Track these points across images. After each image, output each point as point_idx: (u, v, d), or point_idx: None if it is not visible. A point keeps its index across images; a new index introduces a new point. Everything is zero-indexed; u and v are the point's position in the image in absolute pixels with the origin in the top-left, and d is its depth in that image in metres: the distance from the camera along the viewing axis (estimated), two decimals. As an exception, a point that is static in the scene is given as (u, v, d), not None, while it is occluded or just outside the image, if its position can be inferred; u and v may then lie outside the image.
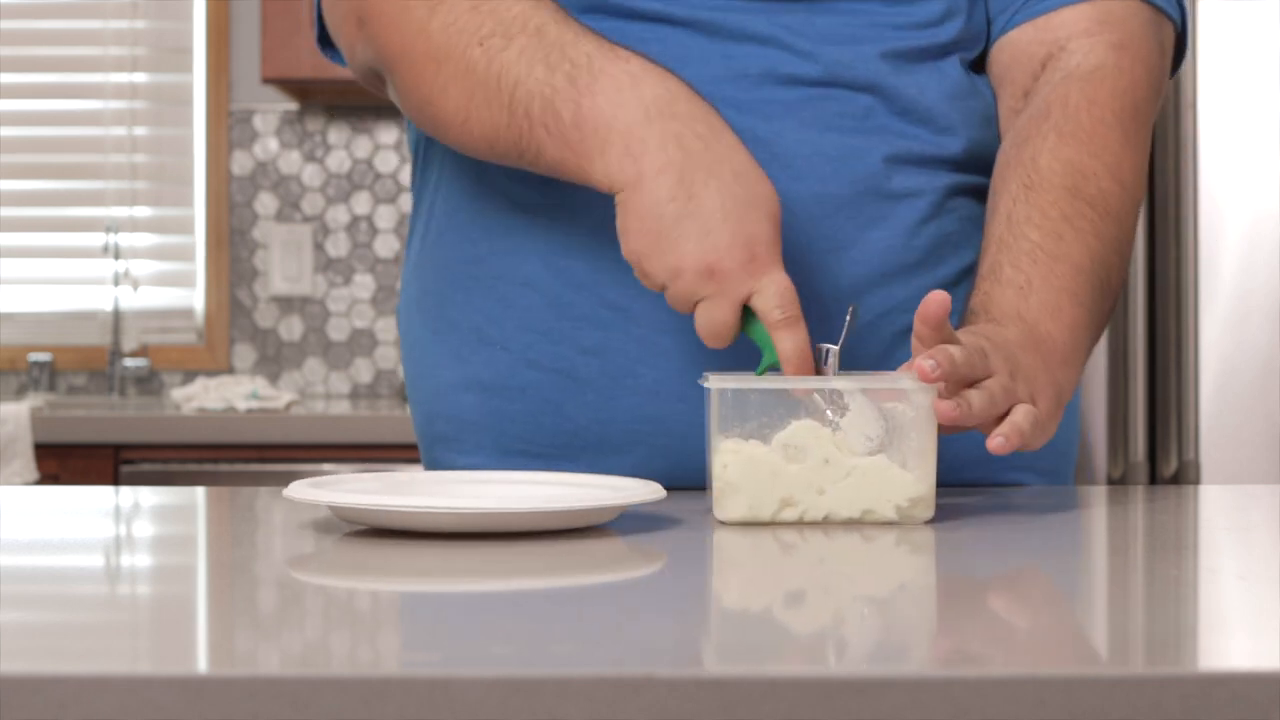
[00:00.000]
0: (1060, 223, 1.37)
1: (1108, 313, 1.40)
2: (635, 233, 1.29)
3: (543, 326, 1.45)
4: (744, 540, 1.18)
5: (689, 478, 1.41)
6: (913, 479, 1.21)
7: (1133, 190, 1.42)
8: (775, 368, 1.27)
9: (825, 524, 1.21)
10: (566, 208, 1.43)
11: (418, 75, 1.39)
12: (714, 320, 1.28)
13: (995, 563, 1.15)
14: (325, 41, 1.55)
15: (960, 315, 1.38)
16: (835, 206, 1.41)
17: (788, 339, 1.26)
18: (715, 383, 1.22)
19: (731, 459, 1.21)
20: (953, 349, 1.21)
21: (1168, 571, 1.13)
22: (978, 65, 1.51)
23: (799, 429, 1.21)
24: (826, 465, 1.21)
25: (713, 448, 1.22)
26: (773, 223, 1.29)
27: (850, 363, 1.39)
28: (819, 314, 1.40)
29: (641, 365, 1.42)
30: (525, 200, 1.46)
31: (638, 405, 1.43)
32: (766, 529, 1.21)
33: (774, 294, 1.27)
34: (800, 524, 1.21)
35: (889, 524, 1.22)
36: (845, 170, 1.42)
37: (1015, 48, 1.48)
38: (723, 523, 1.22)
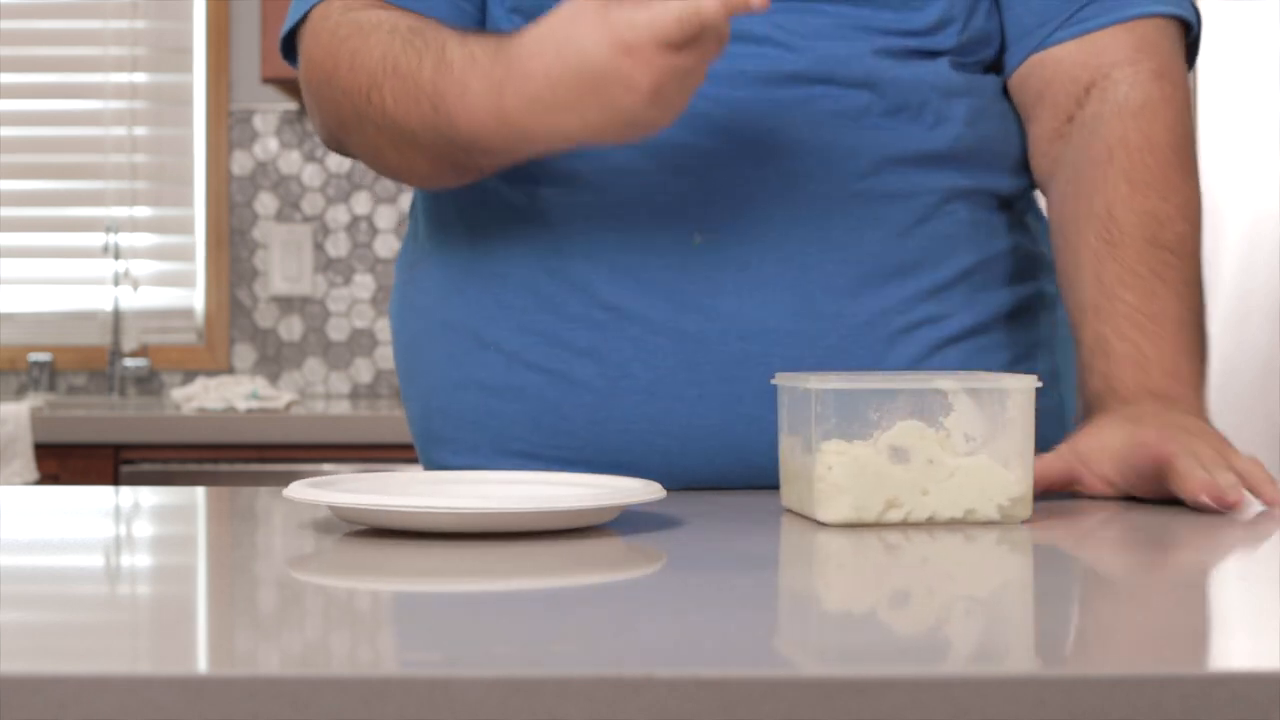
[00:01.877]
0: (1151, 279, 1.41)
1: (1206, 349, 1.44)
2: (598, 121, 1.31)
3: (538, 327, 1.45)
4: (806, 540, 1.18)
5: (686, 477, 1.41)
6: (1014, 478, 1.22)
7: (1199, 226, 1.46)
8: None
9: (929, 524, 1.21)
10: (561, 208, 1.44)
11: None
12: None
13: (1005, 564, 1.15)
14: (289, 53, 1.55)
15: (1076, 393, 1.43)
16: (828, 206, 1.42)
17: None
18: (817, 383, 1.21)
19: (836, 460, 1.20)
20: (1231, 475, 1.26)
21: (1167, 571, 1.13)
22: (979, 65, 1.51)
23: (904, 429, 1.21)
24: (930, 465, 1.21)
25: (814, 449, 1.21)
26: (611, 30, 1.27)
27: (844, 365, 1.40)
28: (812, 314, 1.41)
29: (636, 365, 1.42)
30: (520, 201, 1.46)
31: (634, 406, 1.43)
32: (802, 529, 1.21)
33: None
34: (905, 524, 1.21)
35: (990, 524, 1.22)
36: (839, 170, 1.42)
37: (1058, 67, 1.49)
38: (826, 525, 1.21)
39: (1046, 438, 1.46)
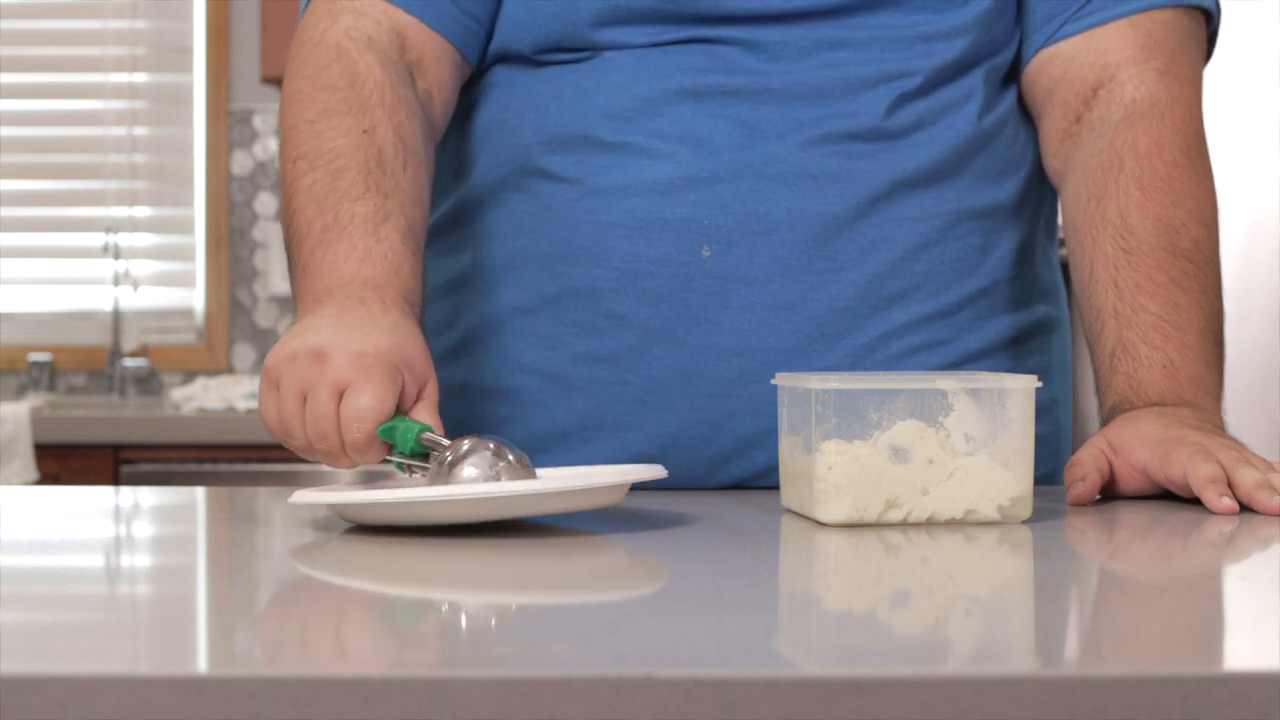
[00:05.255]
0: (1171, 288, 1.41)
1: (1223, 359, 1.44)
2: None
3: (539, 331, 1.45)
4: (792, 540, 1.18)
5: (669, 482, 1.40)
6: (1014, 478, 1.22)
7: (1215, 229, 1.46)
8: (412, 455, 1.23)
9: (929, 524, 1.21)
10: (573, 213, 1.43)
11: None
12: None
13: (1005, 564, 1.15)
14: None
15: (1103, 395, 1.42)
16: (837, 227, 1.41)
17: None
18: (817, 383, 1.21)
19: (836, 460, 1.20)
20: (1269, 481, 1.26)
21: (1168, 571, 1.13)
22: (999, 72, 1.50)
23: (904, 429, 1.20)
24: (931, 465, 1.20)
25: (814, 449, 1.21)
26: (409, 358, 1.25)
27: None
28: (815, 334, 1.41)
29: (631, 373, 1.42)
30: (532, 204, 1.46)
31: (623, 413, 1.43)
32: (802, 529, 1.21)
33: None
34: (904, 525, 1.21)
35: (990, 524, 1.21)
36: (850, 192, 1.41)
37: (1067, 66, 1.49)
38: (826, 525, 1.21)
39: (1044, 463, 1.46)
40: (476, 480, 1.18)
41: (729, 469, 1.44)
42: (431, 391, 1.26)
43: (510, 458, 1.19)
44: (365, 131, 1.39)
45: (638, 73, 1.43)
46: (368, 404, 1.20)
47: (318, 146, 1.39)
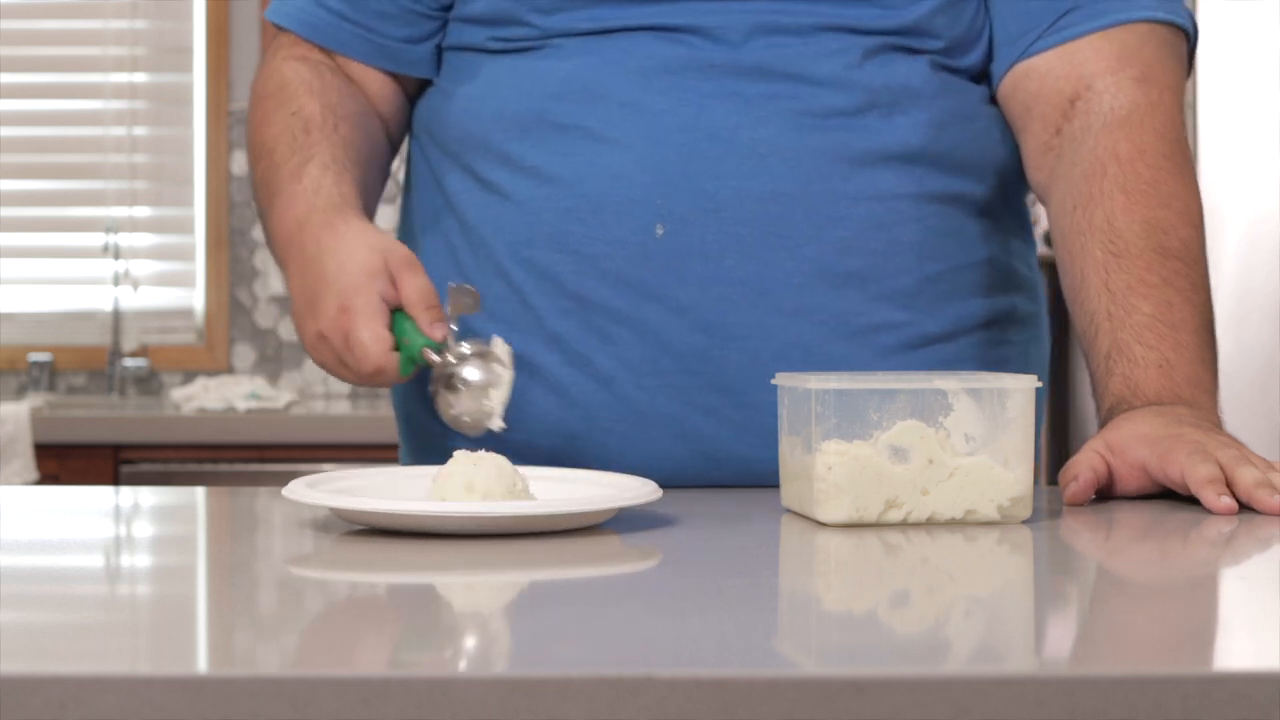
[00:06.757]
0: (1163, 288, 1.41)
1: (1217, 357, 1.44)
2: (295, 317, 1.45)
3: (509, 316, 1.47)
4: (792, 540, 1.18)
5: (644, 467, 1.40)
6: (1014, 478, 1.21)
7: (1202, 228, 1.46)
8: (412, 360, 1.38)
9: (929, 524, 1.21)
10: (532, 200, 1.46)
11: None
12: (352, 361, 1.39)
13: (1005, 564, 1.15)
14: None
15: (1100, 396, 1.41)
16: (791, 203, 1.42)
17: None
18: (817, 383, 1.21)
19: (836, 460, 1.20)
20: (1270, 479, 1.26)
21: (1167, 571, 1.13)
22: (965, 72, 1.51)
23: (904, 429, 1.20)
24: (930, 465, 1.20)
25: (814, 449, 1.21)
26: (369, 275, 1.38)
27: (802, 364, 1.41)
28: (769, 308, 1.42)
29: (599, 354, 1.44)
30: (494, 193, 1.48)
31: (593, 394, 1.44)
32: (802, 529, 1.21)
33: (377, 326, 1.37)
34: (904, 525, 1.20)
35: (990, 524, 1.21)
36: (800, 169, 1.43)
37: (1043, 80, 1.49)
38: (826, 525, 1.21)
39: None
40: (479, 383, 1.36)
41: (706, 444, 1.44)
42: (410, 274, 1.38)
43: (500, 360, 1.37)
44: (293, 114, 1.51)
45: (587, 58, 1.46)
46: (367, 341, 1.36)
47: (261, 144, 1.52)
